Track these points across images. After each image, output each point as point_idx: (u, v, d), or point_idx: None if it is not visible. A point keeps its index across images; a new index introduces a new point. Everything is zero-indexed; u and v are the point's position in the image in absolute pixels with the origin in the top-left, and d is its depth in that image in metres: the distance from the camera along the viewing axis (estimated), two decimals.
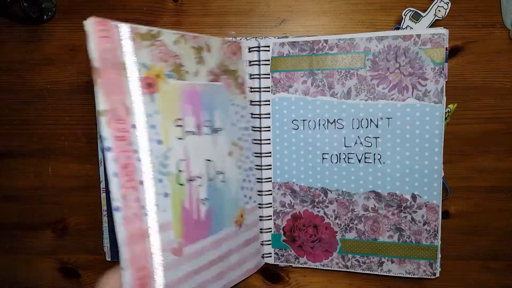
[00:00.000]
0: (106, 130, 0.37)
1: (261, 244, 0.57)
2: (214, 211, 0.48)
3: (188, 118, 0.45)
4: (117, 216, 0.37)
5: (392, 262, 0.54)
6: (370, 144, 0.53)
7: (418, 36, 0.50)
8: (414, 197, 0.53)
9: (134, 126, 0.39)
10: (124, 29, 0.39)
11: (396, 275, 0.54)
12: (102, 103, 0.37)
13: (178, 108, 0.44)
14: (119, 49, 0.38)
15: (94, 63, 0.36)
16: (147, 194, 0.40)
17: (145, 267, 0.39)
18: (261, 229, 0.57)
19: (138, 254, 0.38)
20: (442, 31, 0.50)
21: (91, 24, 0.36)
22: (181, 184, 0.43)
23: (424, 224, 0.53)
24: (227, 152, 0.50)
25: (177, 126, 0.44)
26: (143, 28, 0.41)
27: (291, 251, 0.57)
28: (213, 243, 0.47)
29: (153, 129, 0.41)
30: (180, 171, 0.43)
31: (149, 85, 0.41)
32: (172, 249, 0.42)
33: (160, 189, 0.41)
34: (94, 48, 0.36)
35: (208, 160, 0.47)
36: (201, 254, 0.45)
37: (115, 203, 0.37)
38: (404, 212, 0.53)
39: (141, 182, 0.39)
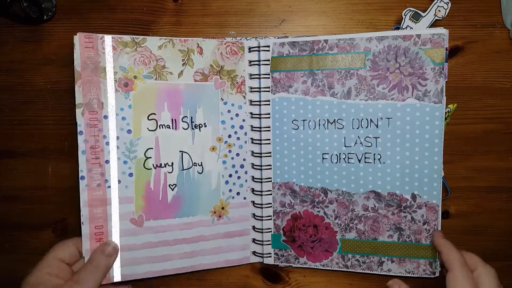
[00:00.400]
0: (80, 119, 0.50)
1: (255, 243, 0.58)
2: (183, 197, 0.54)
3: (164, 113, 0.53)
4: (82, 183, 0.50)
5: (392, 261, 0.54)
6: (370, 144, 0.53)
7: (418, 36, 0.50)
8: (414, 196, 0.53)
9: (106, 117, 0.51)
10: (107, 39, 0.51)
11: (396, 274, 0.54)
12: (78, 98, 0.50)
13: (153, 105, 0.53)
14: (100, 56, 0.50)
15: (76, 67, 0.50)
16: (111, 171, 0.51)
17: (102, 226, 0.51)
18: (261, 229, 0.57)
19: (98, 215, 0.51)
20: (442, 31, 0.50)
21: (78, 39, 0.50)
22: (147, 168, 0.53)
23: (424, 224, 0.53)
24: (209, 147, 0.54)
25: (150, 119, 0.53)
26: (127, 37, 0.51)
27: (291, 251, 0.57)
28: (181, 225, 0.54)
29: (124, 121, 0.52)
30: (148, 157, 0.53)
31: (125, 85, 0.52)
32: (131, 220, 0.52)
33: (125, 169, 0.52)
34: (78, 56, 0.50)
35: (183, 151, 0.54)
36: (164, 231, 0.54)
37: (81, 174, 0.50)
38: (404, 212, 0.53)
39: (107, 161, 0.51)
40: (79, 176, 0.50)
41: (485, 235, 0.57)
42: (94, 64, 0.50)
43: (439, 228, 0.53)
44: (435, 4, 0.53)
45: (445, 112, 0.52)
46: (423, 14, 0.53)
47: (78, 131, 0.50)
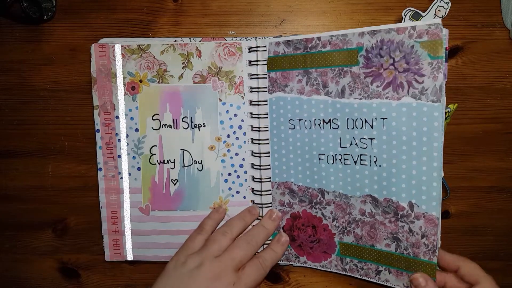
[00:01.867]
0: (97, 119, 0.57)
1: None
2: (185, 192, 0.58)
3: (166, 114, 0.57)
4: (100, 174, 0.58)
5: (390, 272, 0.51)
6: (365, 146, 0.50)
7: (413, 28, 0.46)
8: (411, 205, 0.48)
9: (117, 117, 0.57)
10: (117, 47, 0.56)
11: (393, 286, 0.51)
12: (95, 100, 0.57)
13: (157, 106, 0.57)
14: (111, 63, 0.56)
15: (92, 74, 0.56)
16: (123, 165, 0.57)
17: (117, 212, 0.58)
18: None
19: (113, 202, 0.58)
20: (438, 20, 0.46)
21: (94, 48, 0.56)
22: (152, 164, 0.58)
23: (422, 237, 0.48)
24: (208, 146, 0.57)
25: (154, 119, 0.57)
26: (134, 45, 0.56)
27: (291, 250, 0.57)
28: (183, 217, 0.58)
29: (132, 120, 0.57)
30: (152, 154, 0.57)
31: (133, 88, 0.57)
32: (140, 208, 0.58)
33: (134, 163, 0.58)
34: (93, 64, 0.56)
35: (184, 149, 0.57)
36: (168, 221, 0.58)
37: (98, 166, 0.58)
38: (401, 221, 0.49)
39: (119, 156, 0.57)
40: (97, 168, 0.57)
41: (485, 235, 0.57)
42: (106, 71, 0.56)
43: (439, 245, 0.48)
44: (435, 4, 0.53)
45: (445, 112, 0.51)
46: (423, 14, 0.53)
47: (95, 129, 0.57)
